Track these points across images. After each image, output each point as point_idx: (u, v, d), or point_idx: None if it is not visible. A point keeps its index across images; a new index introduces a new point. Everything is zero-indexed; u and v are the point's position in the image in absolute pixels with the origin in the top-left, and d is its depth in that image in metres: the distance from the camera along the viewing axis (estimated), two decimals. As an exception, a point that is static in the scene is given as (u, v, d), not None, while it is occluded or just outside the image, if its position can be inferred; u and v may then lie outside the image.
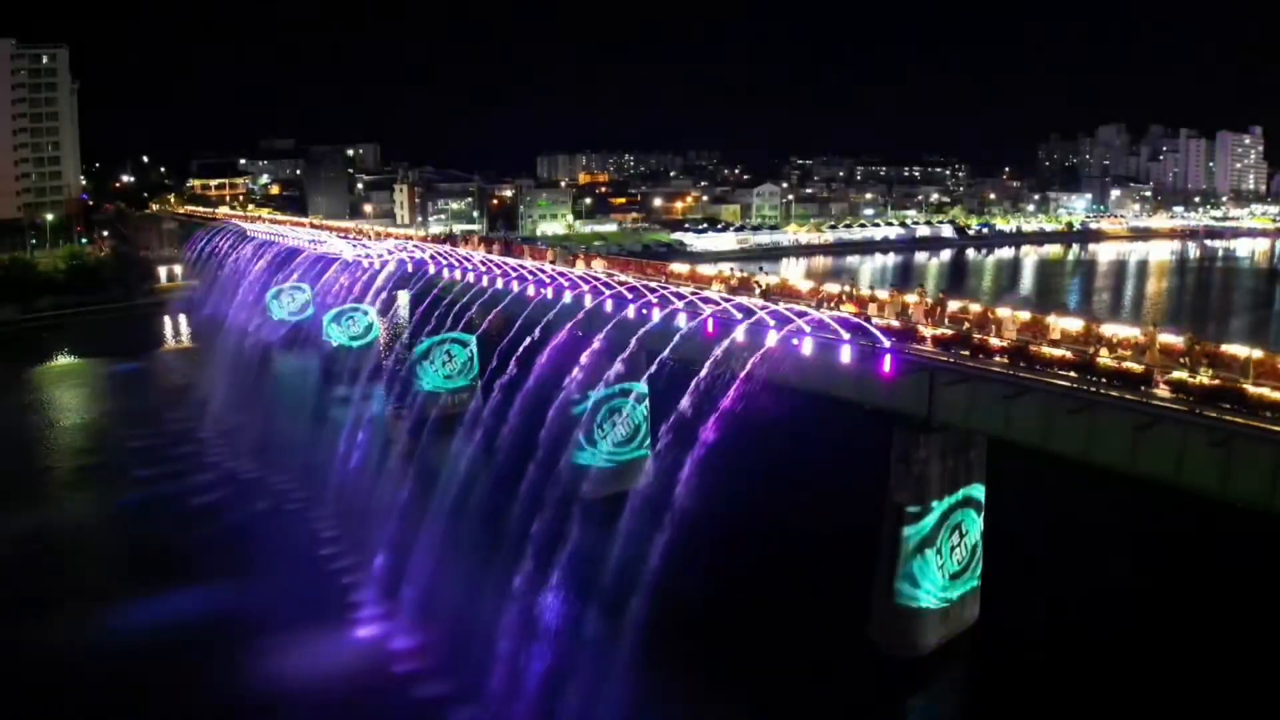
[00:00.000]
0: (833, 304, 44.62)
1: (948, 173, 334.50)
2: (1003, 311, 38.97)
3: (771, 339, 41.59)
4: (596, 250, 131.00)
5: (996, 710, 36.09)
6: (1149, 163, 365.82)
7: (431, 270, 72.07)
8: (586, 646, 37.93)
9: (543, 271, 59.61)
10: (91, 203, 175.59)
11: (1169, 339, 33.47)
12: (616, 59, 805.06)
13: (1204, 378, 29.92)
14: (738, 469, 48.69)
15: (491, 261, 67.19)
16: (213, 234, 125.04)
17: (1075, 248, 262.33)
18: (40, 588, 44.81)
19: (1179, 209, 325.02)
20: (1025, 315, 38.59)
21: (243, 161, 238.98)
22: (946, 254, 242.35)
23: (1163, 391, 30.43)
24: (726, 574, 45.04)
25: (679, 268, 59.83)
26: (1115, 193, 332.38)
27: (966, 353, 36.24)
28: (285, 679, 36.69)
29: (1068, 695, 35.74)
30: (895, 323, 40.62)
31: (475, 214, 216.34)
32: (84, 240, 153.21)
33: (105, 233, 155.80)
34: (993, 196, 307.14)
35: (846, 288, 47.30)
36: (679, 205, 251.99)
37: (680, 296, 47.53)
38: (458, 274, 68.70)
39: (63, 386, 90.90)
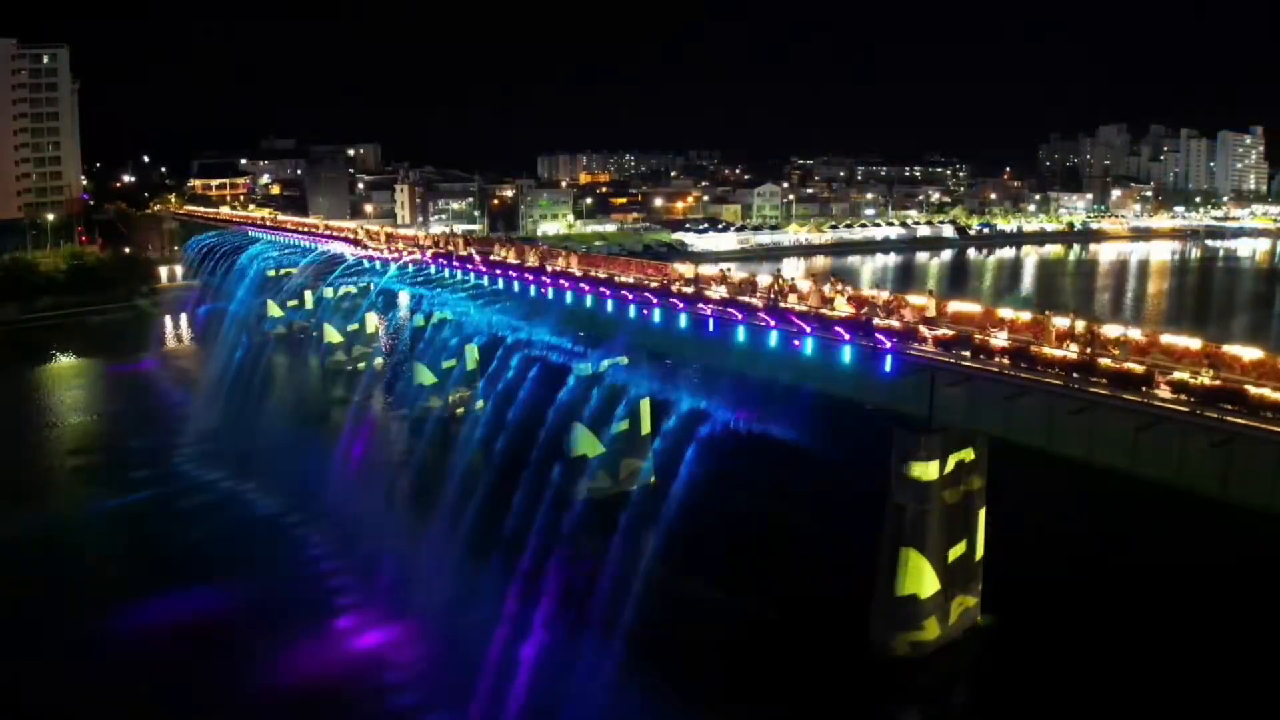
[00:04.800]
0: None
1: (948, 172, 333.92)
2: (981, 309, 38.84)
3: (773, 339, 41.63)
4: (598, 250, 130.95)
5: (997, 711, 36.04)
6: (1150, 163, 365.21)
7: (432, 270, 72.07)
8: (582, 647, 37.86)
9: (544, 272, 59.53)
10: (92, 203, 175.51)
11: (1170, 340, 33.40)
12: (617, 59, 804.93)
13: (1205, 378, 29.86)
14: (737, 469, 48.75)
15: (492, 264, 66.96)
16: (219, 237, 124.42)
17: (1076, 248, 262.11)
18: (34, 589, 44.78)
19: (1180, 209, 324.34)
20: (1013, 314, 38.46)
21: (244, 161, 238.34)
22: (947, 254, 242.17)
23: (1164, 392, 30.38)
24: (726, 574, 45.03)
25: (680, 268, 59.71)
26: (1116, 193, 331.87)
27: (967, 353, 36.20)
28: (275, 684, 36.57)
29: (1068, 696, 35.70)
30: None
31: (476, 214, 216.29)
32: (84, 240, 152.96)
33: (100, 235, 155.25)
34: (994, 196, 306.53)
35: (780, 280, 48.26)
36: (680, 205, 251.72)
37: (680, 296, 47.52)
38: (459, 275, 68.63)
39: (63, 386, 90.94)
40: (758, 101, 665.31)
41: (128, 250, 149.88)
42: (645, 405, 56.34)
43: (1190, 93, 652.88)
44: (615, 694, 34.96)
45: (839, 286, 44.19)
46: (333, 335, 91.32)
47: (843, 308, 41.40)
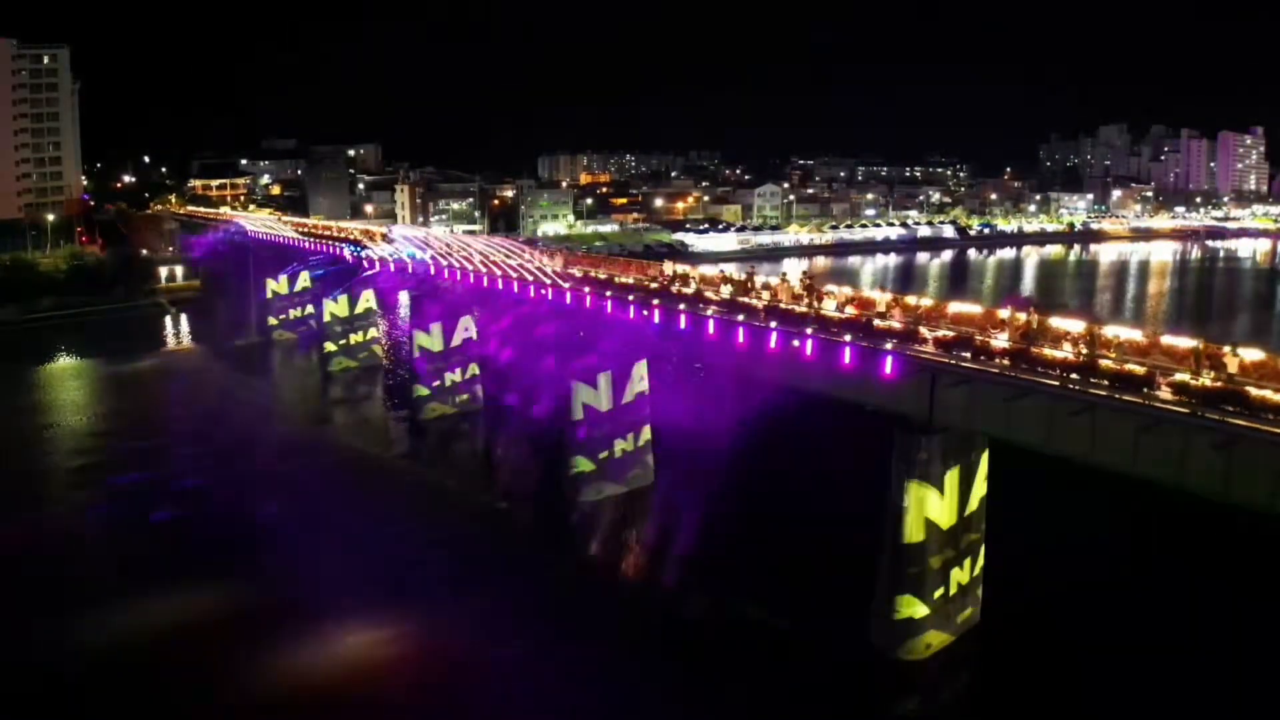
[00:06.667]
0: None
1: (949, 173, 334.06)
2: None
3: (773, 340, 41.59)
4: (598, 250, 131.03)
5: (997, 713, 35.99)
6: (1150, 163, 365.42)
7: (433, 271, 72.00)
8: (582, 649, 37.81)
9: (543, 273, 59.48)
10: (93, 203, 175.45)
11: (1170, 340, 33.31)
12: (616, 59, 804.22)
13: (1206, 379, 29.78)
14: (738, 470, 48.78)
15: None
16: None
17: (1076, 248, 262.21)
18: (32, 589, 44.70)
19: (1180, 209, 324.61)
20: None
21: (244, 161, 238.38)
22: (948, 254, 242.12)
23: (1165, 393, 30.31)
24: (726, 575, 44.96)
25: (680, 268, 59.66)
26: (1117, 193, 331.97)
27: (968, 354, 36.16)
28: (273, 686, 36.39)
29: (1068, 698, 35.67)
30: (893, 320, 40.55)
31: (476, 214, 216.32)
32: (84, 240, 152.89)
33: (100, 235, 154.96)
34: (994, 197, 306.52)
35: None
36: (680, 206, 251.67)
37: (681, 297, 47.49)
38: (458, 276, 68.55)
39: (64, 387, 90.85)
40: (757, 101, 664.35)
41: (128, 250, 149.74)
42: (644, 405, 56.26)
43: (1190, 93, 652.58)
44: (614, 693, 34.94)
45: (808, 282, 44.61)
46: (334, 337, 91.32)
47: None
